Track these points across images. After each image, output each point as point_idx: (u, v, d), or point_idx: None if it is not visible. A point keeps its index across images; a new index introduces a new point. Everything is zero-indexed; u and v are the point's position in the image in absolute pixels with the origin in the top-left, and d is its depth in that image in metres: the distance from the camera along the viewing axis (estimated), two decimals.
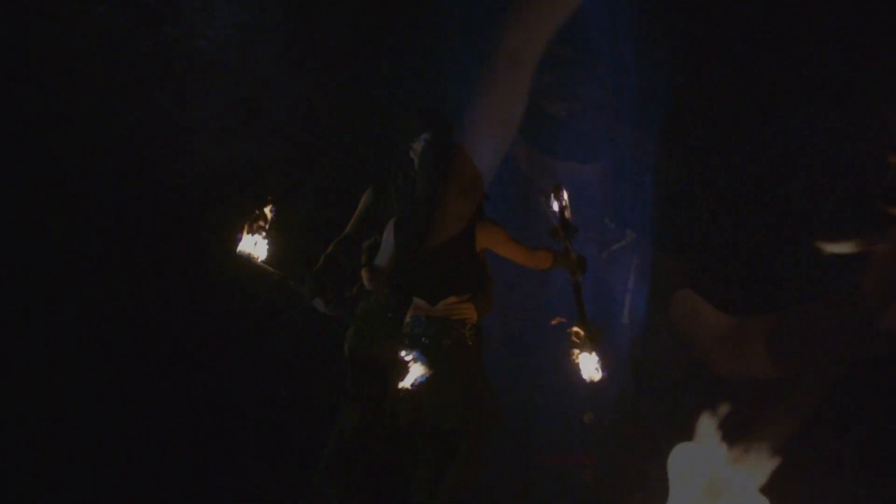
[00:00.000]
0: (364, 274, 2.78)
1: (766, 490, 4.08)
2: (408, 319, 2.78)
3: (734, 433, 4.23)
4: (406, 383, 2.63)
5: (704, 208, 4.44)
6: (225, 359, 3.74)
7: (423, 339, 2.71)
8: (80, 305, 3.66)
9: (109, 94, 3.59)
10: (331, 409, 2.95)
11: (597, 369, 2.85)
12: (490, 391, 2.80)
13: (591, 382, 2.85)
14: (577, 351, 2.84)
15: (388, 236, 2.78)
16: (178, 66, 3.64)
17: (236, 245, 2.65)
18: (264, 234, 2.68)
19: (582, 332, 2.88)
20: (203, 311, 3.70)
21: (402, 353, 2.67)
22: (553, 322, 3.47)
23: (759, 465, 4.12)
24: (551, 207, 3.02)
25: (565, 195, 3.00)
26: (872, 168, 4.31)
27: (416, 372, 2.64)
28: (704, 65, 4.44)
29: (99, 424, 3.65)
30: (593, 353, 2.84)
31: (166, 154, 3.64)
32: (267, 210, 2.70)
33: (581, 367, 2.85)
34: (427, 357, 2.69)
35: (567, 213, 2.96)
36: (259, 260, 2.67)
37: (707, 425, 3.95)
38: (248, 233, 2.66)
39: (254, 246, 2.66)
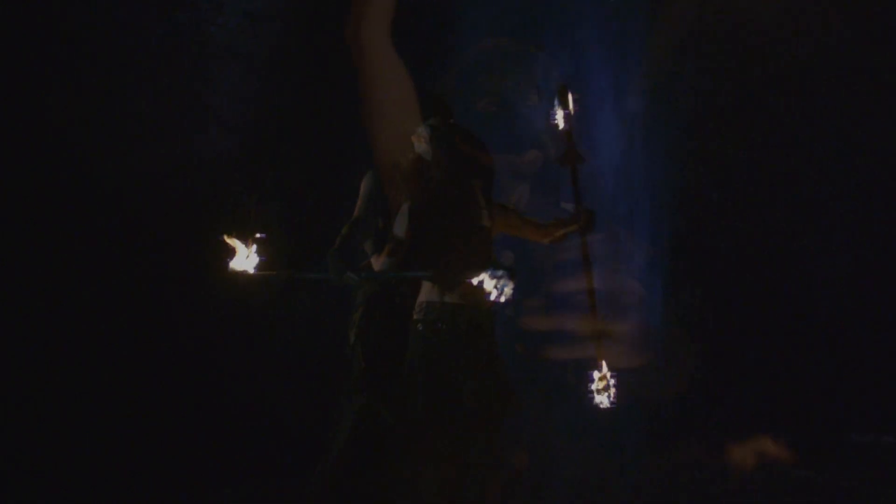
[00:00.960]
0: (379, 258, 2.74)
1: (725, 474, 4.25)
2: (421, 303, 2.71)
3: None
4: (494, 298, 2.54)
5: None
6: (224, 359, 3.68)
7: (439, 325, 2.65)
8: (76, 303, 3.56)
9: (120, 80, 3.48)
10: (330, 407, 2.91)
11: (606, 389, 2.79)
12: (506, 373, 2.77)
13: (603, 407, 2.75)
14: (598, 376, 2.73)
15: (400, 222, 2.73)
16: (189, 53, 3.53)
17: (227, 265, 2.58)
18: (251, 245, 2.60)
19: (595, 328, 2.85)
20: (202, 311, 3.62)
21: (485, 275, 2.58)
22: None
23: None
24: (554, 119, 2.84)
25: (572, 101, 2.80)
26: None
27: (500, 288, 2.56)
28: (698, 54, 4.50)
29: (98, 424, 3.62)
30: (604, 369, 2.80)
31: (175, 144, 3.55)
32: (250, 221, 2.64)
33: (593, 389, 2.80)
34: (442, 346, 2.63)
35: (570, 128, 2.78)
36: (254, 270, 2.60)
37: None
38: (236, 249, 2.59)
39: (244, 259, 2.59)
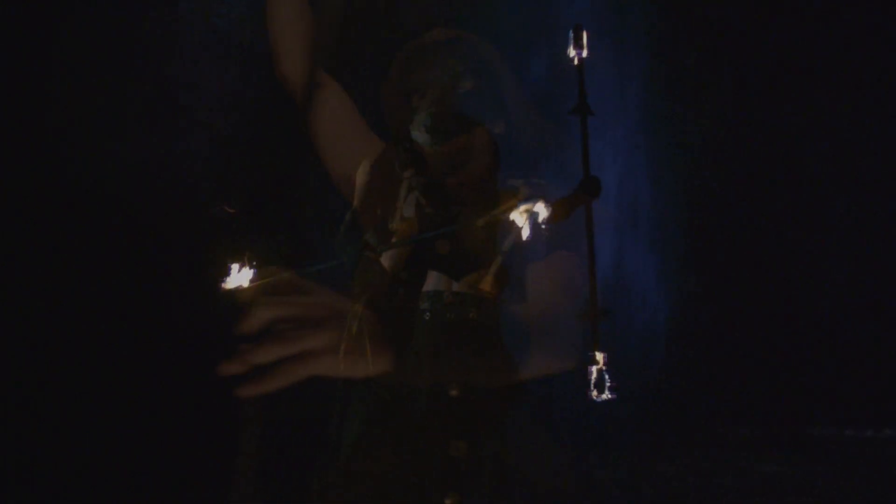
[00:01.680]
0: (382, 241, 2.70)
1: (691, 469, 4.33)
2: (428, 292, 2.66)
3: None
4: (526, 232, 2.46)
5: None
6: (224, 358, 3.59)
7: (448, 315, 2.61)
8: (71, 303, 3.48)
9: (123, 70, 3.40)
10: (331, 404, 2.87)
11: (602, 382, 2.74)
12: (513, 363, 2.75)
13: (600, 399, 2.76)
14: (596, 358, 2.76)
15: (409, 204, 2.68)
16: (194, 43, 3.46)
17: (223, 287, 2.37)
18: (240, 262, 2.53)
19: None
20: (200, 312, 3.54)
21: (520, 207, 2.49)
22: None
23: None
24: (568, 53, 2.65)
25: (586, 43, 2.57)
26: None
27: (533, 217, 2.47)
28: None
29: (96, 425, 3.53)
30: (600, 361, 2.75)
31: (181, 134, 3.48)
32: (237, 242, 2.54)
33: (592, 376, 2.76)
34: (451, 336, 2.61)
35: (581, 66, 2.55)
36: (251, 283, 2.39)
37: None
38: (228, 270, 2.50)
39: (237, 276, 2.38)
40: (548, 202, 2.47)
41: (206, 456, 3.62)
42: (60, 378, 3.49)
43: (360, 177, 2.91)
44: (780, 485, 4.25)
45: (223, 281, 2.48)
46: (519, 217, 2.55)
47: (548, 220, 2.96)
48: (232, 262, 2.56)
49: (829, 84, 4.76)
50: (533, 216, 2.50)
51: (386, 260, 2.71)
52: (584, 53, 2.63)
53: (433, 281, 2.67)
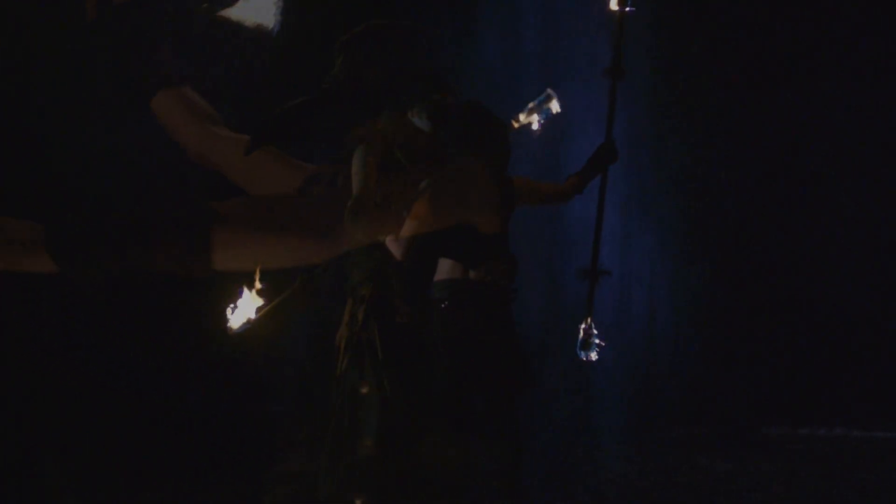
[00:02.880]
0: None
1: (650, 469, 4.39)
2: (444, 280, 2.66)
3: None
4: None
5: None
6: (224, 357, 3.52)
7: (465, 303, 2.62)
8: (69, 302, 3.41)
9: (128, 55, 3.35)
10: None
11: (590, 342, 2.77)
12: (523, 348, 2.75)
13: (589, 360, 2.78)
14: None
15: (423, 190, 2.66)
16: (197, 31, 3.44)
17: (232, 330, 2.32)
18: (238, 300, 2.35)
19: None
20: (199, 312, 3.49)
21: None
22: None
23: None
24: (608, 5, 2.71)
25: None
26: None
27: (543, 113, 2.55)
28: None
29: (96, 425, 3.50)
30: (589, 322, 2.76)
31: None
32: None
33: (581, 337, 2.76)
34: (467, 324, 2.60)
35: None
36: (259, 311, 2.34)
37: None
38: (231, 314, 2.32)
39: (241, 311, 2.33)
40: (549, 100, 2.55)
41: (208, 456, 3.62)
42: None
43: (358, 162, 2.92)
44: (735, 482, 4.34)
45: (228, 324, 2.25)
46: (525, 117, 2.62)
47: (561, 197, 3.00)
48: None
49: (836, 76, 4.86)
50: (548, 97, 2.56)
51: (395, 247, 2.67)
52: (627, 7, 2.65)
53: (448, 269, 2.65)
